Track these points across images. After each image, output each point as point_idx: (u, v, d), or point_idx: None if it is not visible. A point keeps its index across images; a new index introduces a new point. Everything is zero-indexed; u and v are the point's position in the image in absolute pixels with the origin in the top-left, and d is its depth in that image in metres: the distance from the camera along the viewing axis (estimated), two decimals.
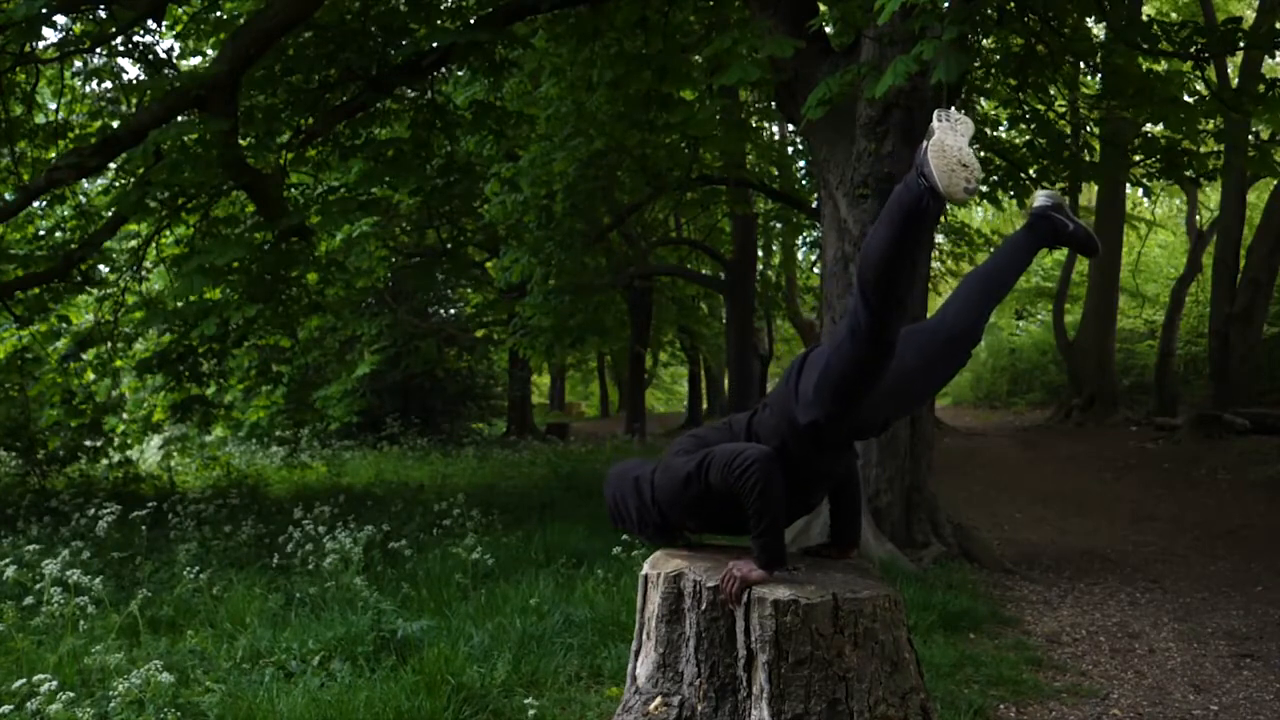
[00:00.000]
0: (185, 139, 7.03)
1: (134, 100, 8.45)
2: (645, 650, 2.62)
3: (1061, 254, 25.65)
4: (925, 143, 2.24)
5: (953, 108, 2.33)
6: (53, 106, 8.91)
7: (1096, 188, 17.22)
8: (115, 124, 7.68)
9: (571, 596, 4.79)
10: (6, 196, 8.04)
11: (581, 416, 31.43)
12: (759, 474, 2.37)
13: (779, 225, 19.22)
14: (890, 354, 2.41)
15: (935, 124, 2.27)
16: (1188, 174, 7.51)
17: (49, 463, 9.27)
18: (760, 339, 21.13)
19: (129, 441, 9.92)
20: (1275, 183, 13.62)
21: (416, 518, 7.24)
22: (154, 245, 9.15)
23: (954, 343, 2.57)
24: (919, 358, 2.53)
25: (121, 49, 8.36)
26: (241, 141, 7.62)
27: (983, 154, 9.42)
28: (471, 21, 8.27)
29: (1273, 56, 8.33)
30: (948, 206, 2.37)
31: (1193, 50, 6.26)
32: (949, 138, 2.22)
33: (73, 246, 8.08)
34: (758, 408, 2.70)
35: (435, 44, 7.71)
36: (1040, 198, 2.69)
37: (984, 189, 8.89)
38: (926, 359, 2.55)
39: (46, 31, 8.35)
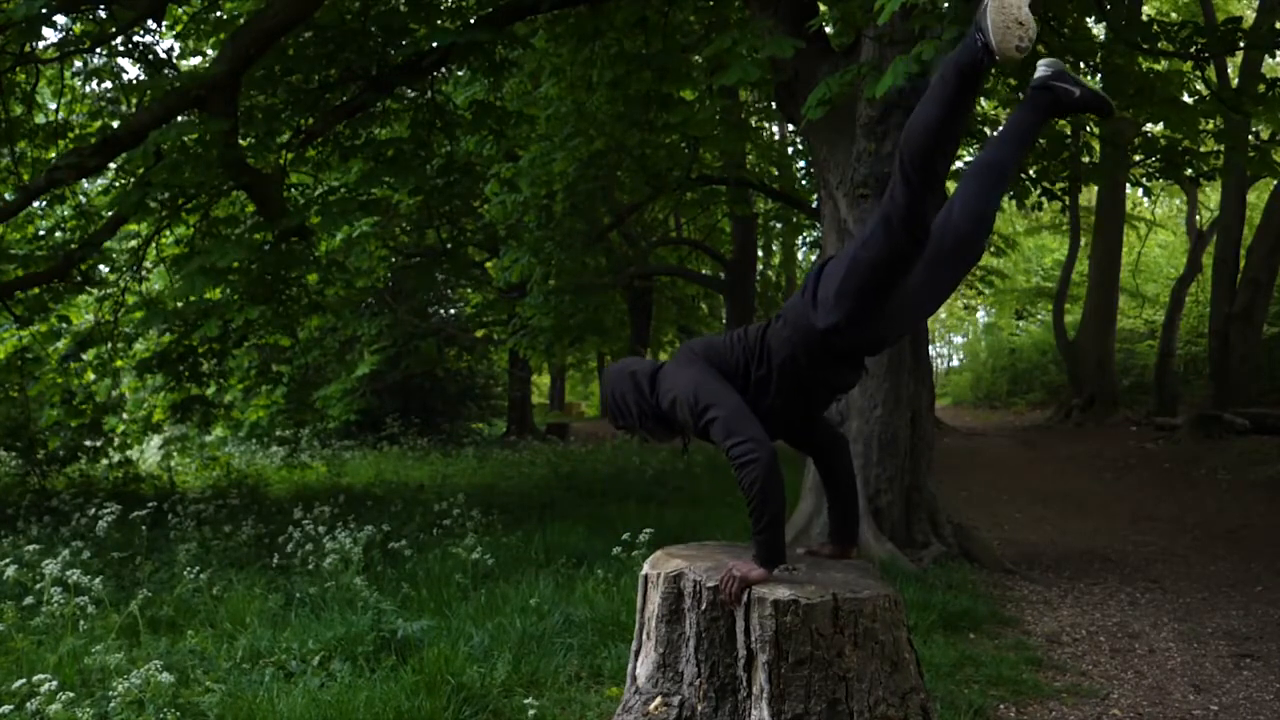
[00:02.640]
0: (185, 139, 7.03)
1: (134, 100, 8.45)
2: (645, 650, 2.61)
3: (1062, 254, 25.59)
4: (985, 1, 2.19)
5: None
6: (53, 106, 8.92)
7: (1096, 188, 17.21)
8: (115, 124, 7.68)
9: (571, 596, 4.79)
10: (6, 196, 8.03)
11: (581, 416, 31.37)
12: (760, 473, 2.35)
13: (779, 225, 19.24)
14: (921, 247, 2.36)
15: None
16: (1188, 174, 7.51)
17: (49, 463, 9.26)
18: None
19: (129, 441, 9.91)
20: (1275, 183, 13.63)
21: (416, 518, 7.24)
22: (154, 245, 9.15)
23: (965, 239, 2.49)
24: (933, 257, 2.47)
25: (121, 49, 8.36)
26: (241, 141, 7.62)
27: None
28: (471, 21, 8.26)
29: (1273, 56, 8.33)
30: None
31: (1193, 50, 6.27)
32: None
33: (73, 246, 8.07)
34: (771, 320, 2.64)
35: (435, 44, 7.71)
36: (1042, 67, 2.50)
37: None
38: (940, 257, 2.49)
39: (46, 31, 8.35)
